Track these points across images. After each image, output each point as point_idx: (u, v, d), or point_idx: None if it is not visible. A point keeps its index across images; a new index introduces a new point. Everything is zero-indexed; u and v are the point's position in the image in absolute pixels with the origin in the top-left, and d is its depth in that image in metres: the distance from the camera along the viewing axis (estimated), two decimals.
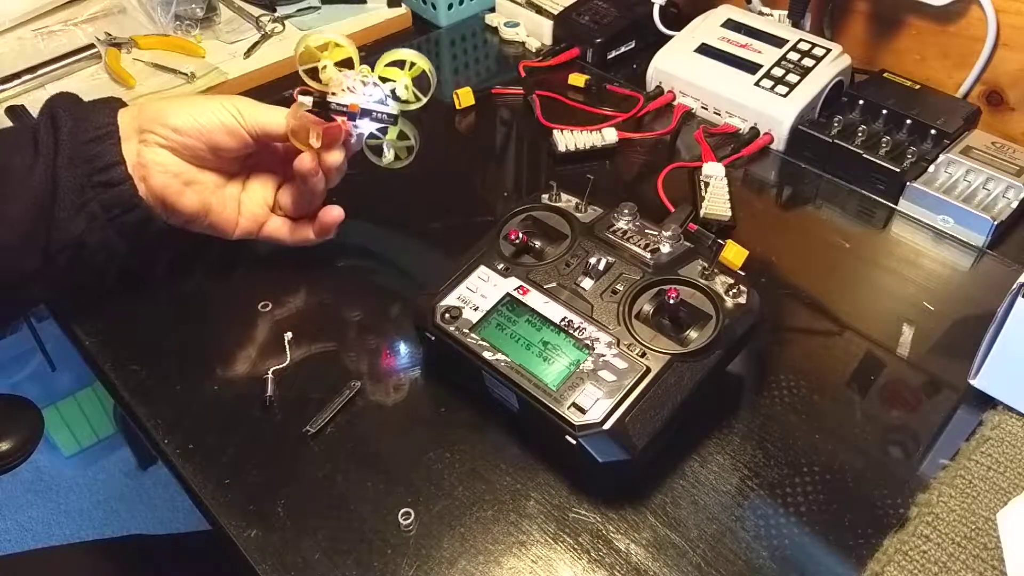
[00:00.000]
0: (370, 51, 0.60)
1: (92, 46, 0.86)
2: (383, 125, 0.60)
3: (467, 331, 0.52)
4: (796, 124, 0.76)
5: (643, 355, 0.50)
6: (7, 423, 0.64)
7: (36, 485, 1.58)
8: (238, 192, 0.62)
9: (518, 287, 0.54)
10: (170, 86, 0.83)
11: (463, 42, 0.97)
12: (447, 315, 0.53)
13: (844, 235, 0.71)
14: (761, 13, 0.87)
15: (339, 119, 0.58)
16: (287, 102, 0.58)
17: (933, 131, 0.72)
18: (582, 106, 0.83)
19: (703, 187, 0.71)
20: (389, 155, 0.64)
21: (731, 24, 0.85)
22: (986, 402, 0.56)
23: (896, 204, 0.72)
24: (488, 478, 0.52)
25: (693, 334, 0.51)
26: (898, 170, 0.70)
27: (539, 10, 0.94)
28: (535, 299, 0.53)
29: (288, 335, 0.59)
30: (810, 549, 0.49)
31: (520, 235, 0.56)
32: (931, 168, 0.71)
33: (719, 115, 0.81)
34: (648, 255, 0.55)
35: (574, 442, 0.48)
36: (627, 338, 0.51)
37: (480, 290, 0.54)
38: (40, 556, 0.81)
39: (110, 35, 0.88)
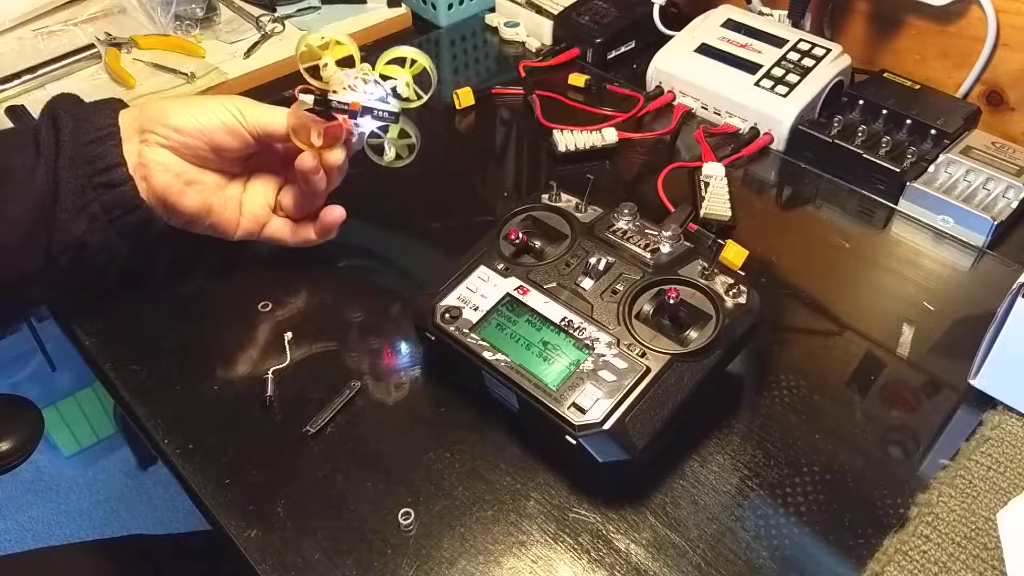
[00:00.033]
0: (370, 51, 0.60)
1: (92, 46, 0.86)
2: (384, 123, 0.60)
3: (467, 331, 0.52)
4: (796, 124, 0.77)
5: (643, 355, 0.50)
6: (7, 423, 0.64)
7: (36, 485, 1.58)
8: (239, 193, 0.62)
9: (518, 287, 0.54)
10: (170, 86, 0.83)
11: (463, 42, 0.97)
12: (447, 315, 0.53)
13: (844, 235, 0.71)
14: (761, 13, 0.87)
15: (340, 117, 0.58)
16: (287, 102, 0.58)
17: (933, 131, 0.72)
18: (582, 106, 0.83)
19: (703, 187, 0.71)
20: (391, 153, 0.63)
21: (731, 24, 0.85)
22: (986, 402, 0.56)
23: (896, 204, 0.72)
24: (488, 478, 0.52)
25: (693, 334, 0.51)
26: (898, 170, 0.70)
27: (539, 10, 0.94)
28: (535, 299, 0.53)
29: (288, 335, 0.59)
30: (810, 549, 0.49)
31: (520, 235, 0.56)
32: (931, 168, 0.71)
33: (719, 115, 0.81)
34: (648, 255, 0.55)
35: (574, 442, 0.48)
36: (627, 338, 0.51)
37: (480, 290, 0.54)
38: (40, 556, 0.81)
39: (110, 35, 0.88)
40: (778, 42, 0.82)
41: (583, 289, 0.54)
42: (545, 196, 0.60)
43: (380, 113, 0.59)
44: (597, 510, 0.50)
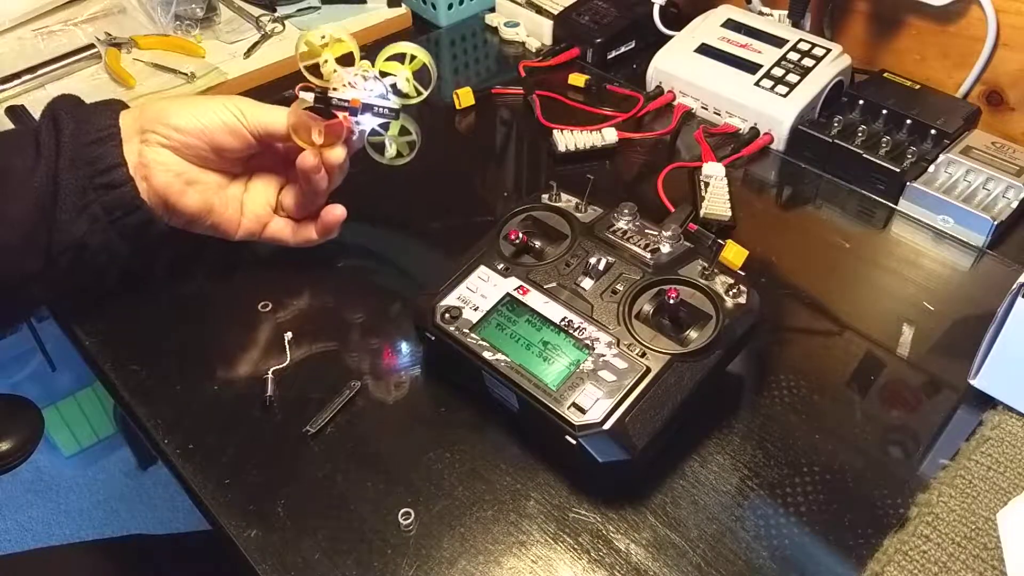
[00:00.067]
0: (370, 51, 0.60)
1: (92, 46, 0.86)
2: (385, 120, 0.60)
3: (467, 331, 0.52)
4: (796, 124, 0.77)
5: (643, 355, 0.50)
6: (7, 423, 0.64)
7: (36, 485, 1.58)
8: (240, 193, 0.62)
9: (518, 287, 0.54)
10: (170, 86, 0.83)
11: (463, 42, 0.97)
12: (447, 315, 0.53)
13: (844, 235, 0.71)
14: (761, 13, 0.87)
15: (341, 115, 0.58)
16: (287, 102, 0.58)
17: (933, 131, 0.72)
18: (582, 106, 0.83)
19: (703, 187, 0.71)
20: (391, 151, 0.63)
21: (731, 24, 0.85)
22: (986, 402, 0.56)
23: (896, 204, 0.72)
24: (488, 478, 0.52)
25: (693, 334, 0.51)
26: (898, 170, 0.70)
27: (539, 10, 0.94)
28: (535, 299, 0.53)
29: (288, 335, 0.59)
30: (810, 549, 0.49)
31: (520, 235, 0.56)
32: (931, 168, 0.71)
33: (719, 115, 0.81)
34: (648, 255, 0.55)
35: (574, 442, 0.48)
36: (627, 338, 0.51)
37: (480, 290, 0.54)
38: (40, 556, 0.81)
39: (110, 35, 0.88)
40: (778, 42, 0.82)
41: (583, 289, 0.54)
42: (545, 196, 0.60)
43: (380, 110, 0.59)
44: (597, 510, 0.50)
